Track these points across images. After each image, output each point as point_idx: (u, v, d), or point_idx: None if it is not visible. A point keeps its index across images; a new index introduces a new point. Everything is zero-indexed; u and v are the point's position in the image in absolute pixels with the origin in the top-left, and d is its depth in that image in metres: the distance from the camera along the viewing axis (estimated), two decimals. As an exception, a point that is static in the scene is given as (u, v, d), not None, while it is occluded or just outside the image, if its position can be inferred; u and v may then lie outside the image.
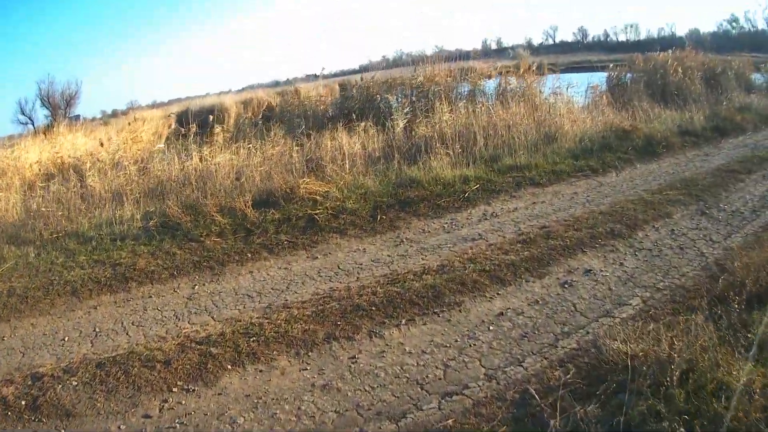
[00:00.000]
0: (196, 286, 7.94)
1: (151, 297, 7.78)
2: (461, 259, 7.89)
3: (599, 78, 23.60)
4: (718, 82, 22.89)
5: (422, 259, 8.14)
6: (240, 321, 6.67)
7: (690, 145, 14.92)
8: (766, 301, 5.66)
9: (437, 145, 12.74)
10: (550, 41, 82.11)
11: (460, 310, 6.55)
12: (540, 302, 6.66)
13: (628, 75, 23.15)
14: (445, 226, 9.46)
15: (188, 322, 6.85)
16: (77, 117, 51.54)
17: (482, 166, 12.00)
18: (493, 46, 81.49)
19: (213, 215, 10.09)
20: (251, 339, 6.21)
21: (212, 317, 6.93)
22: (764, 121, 18.37)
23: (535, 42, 79.88)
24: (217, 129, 18.09)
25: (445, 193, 10.59)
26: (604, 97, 18.91)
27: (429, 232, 9.29)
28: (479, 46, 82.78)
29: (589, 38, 78.80)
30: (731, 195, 10.65)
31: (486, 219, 9.68)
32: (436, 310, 6.57)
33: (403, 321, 6.37)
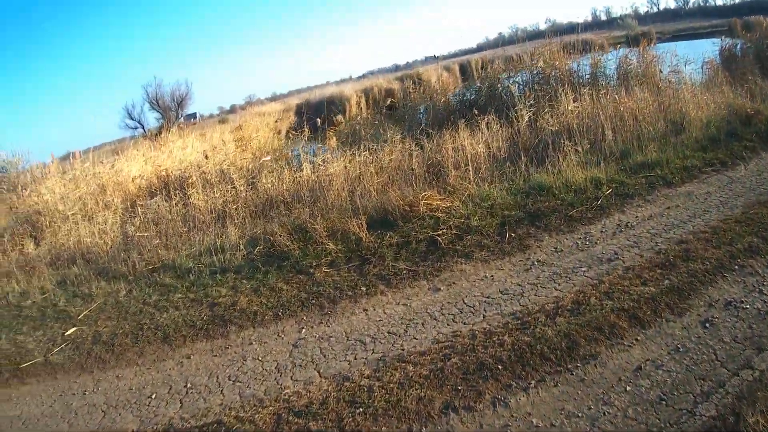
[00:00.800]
0: (303, 330, 7.40)
1: (251, 344, 7.33)
2: (597, 293, 7.02)
3: (705, 48, 22.32)
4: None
5: (555, 288, 7.32)
6: (348, 380, 6.06)
7: None
8: None
9: (564, 141, 11.94)
10: (654, 9, 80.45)
11: (595, 365, 5.75)
12: (680, 349, 5.83)
13: (739, 46, 21.89)
14: (579, 242, 8.59)
15: (291, 378, 6.34)
16: (193, 116, 53.19)
17: (612, 165, 11.14)
18: (602, 17, 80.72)
19: (323, 241, 9.45)
20: (357, 410, 5.58)
21: (318, 371, 6.37)
22: None
23: (641, 10, 78.25)
24: (338, 120, 17.83)
25: (577, 202, 9.75)
26: (720, 73, 17.81)
27: (561, 251, 8.42)
28: (589, 17, 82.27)
29: (690, 4, 76.86)
30: None
31: (621, 231, 8.79)
32: (569, 366, 5.77)
33: (533, 383, 5.58)
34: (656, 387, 5.31)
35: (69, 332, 8.62)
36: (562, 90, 14.67)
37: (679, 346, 5.87)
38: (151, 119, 49.18)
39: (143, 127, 47.81)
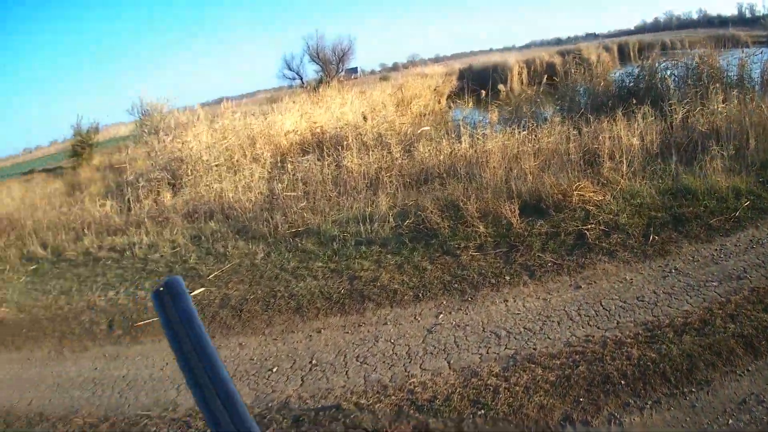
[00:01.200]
0: (441, 315, 7.47)
1: (386, 324, 7.45)
2: (723, 312, 6.74)
3: None
4: None
5: (687, 301, 7.13)
6: (476, 376, 6.12)
7: None
8: None
9: (713, 143, 11.81)
10: None
11: (707, 392, 5.56)
12: None
13: None
14: (714, 254, 8.30)
15: (419, 367, 6.44)
16: (354, 70, 53.78)
17: (753, 176, 10.81)
18: (747, 14, 78.12)
19: (474, 223, 9.54)
20: (479, 411, 5.62)
21: (448, 363, 6.45)
22: None
23: None
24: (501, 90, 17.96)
25: (718, 210, 9.61)
26: None
27: (698, 260, 8.19)
28: (735, 12, 79.80)
29: None
30: None
31: (752, 248, 8.40)
32: (685, 390, 5.63)
33: (649, 403, 5.50)
34: (755, 423, 5.16)
35: (196, 292, 8.92)
36: (713, 89, 14.47)
37: None
38: (311, 72, 49.81)
39: (301, 79, 48.43)
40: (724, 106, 13.75)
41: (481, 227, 9.41)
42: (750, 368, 5.81)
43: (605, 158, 11.52)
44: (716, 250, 8.51)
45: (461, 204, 10.05)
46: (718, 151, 11.34)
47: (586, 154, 12.10)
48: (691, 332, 6.46)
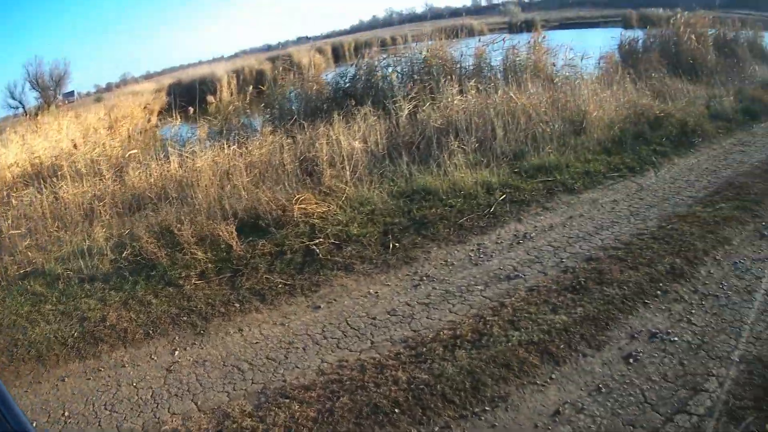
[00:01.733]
0: (177, 352, 6.84)
1: (124, 366, 6.73)
2: (500, 319, 6.50)
3: (598, 40, 22.50)
4: (732, 51, 21.97)
5: (449, 310, 6.85)
6: (228, 418, 5.53)
7: (723, 132, 13.96)
8: None
9: (450, 138, 11.48)
10: None
11: (506, 408, 5.23)
12: (603, 390, 5.39)
13: (640, 41, 22.39)
14: (472, 255, 8.16)
15: (168, 411, 5.80)
16: (71, 94, 52.17)
17: (505, 167, 10.83)
18: (483, 2, 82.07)
19: (192, 249, 8.84)
20: None
21: (196, 404, 5.85)
22: None
23: None
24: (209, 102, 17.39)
25: (467, 209, 9.34)
26: (620, 69, 17.69)
27: (453, 264, 7.97)
28: (468, 2, 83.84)
29: None
30: (792, 206, 9.54)
31: (519, 243, 8.44)
32: (476, 410, 5.22)
33: (437, 429, 5.05)
34: (581, 432, 4.97)
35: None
36: (446, 81, 14.37)
37: (600, 385, 5.46)
38: (32, 99, 48.15)
39: (24, 107, 46.85)
40: (461, 98, 13.51)
41: (199, 253, 8.74)
42: (554, 376, 5.63)
43: (325, 166, 10.96)
44: (473, 250, 8.40)
45: (175, 230, 9.38)
46: (459, 146, 11.22)
47: (304, 163, 11.43)
48: (465, 345, 6.14)
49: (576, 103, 13.73)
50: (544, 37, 19.10)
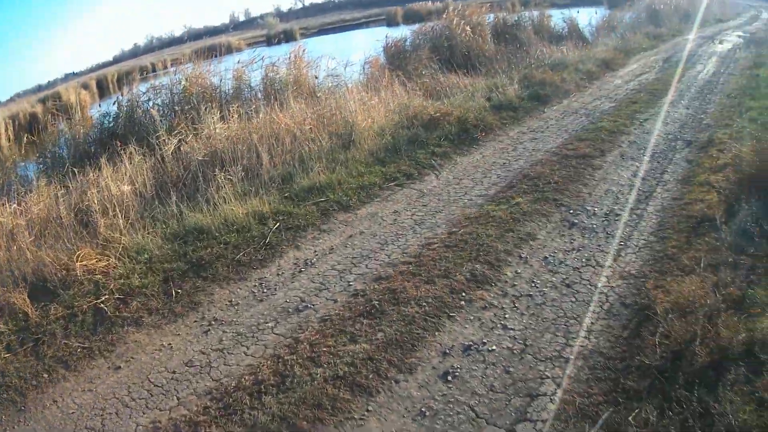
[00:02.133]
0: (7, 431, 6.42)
1: None
2: (299, 357, 6.37)
3: (362, 43, 22.78)
4: (514, 37, 22.71)
5: (245, 353, 6.70)
6: None
7: (510, 122, 14.93)
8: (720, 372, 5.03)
9: (216, 170, 11.52)
10: (300, 5, 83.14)
11: None
12: (427, 413, 5.36)
13: (408, 41, 22.58)
14: (255, 291, 8.09)
15: None
16: None
17: (275, 194, 10.89)
18: (241, 17, 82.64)
19: None
20: None
21: None
22: (587, 78, 18.59)
23: (284, 8, 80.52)
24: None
25: (243, 243, 9.32)
26: (387, 72, 18.29)
27: (238, 303, 7.86)
28: (227, 20, 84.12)
29: None
30: (594, 191, 10.12)
31: (301, 272, 8.40)
32: None
33: None
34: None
35: None
36: (206, 109, 14.29)
37: (423, 409, 5.43)
38: None
39: None
40: (222, 126, 13.55)
41: (0, 325, 8.14)
42: (370, 408, 5.55)
43: (98, 216, 10.41)
44: (255, 286, 8.27)
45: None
46: (225, 177, 11.20)
47: (78, 214, 10.88)
48: (270, 390, 5.96)
49: (342, 116, 13.99)
50: (303, 51, 19.09)
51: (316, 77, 17.75)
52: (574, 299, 6.93)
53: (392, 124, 13.74)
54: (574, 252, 8.02)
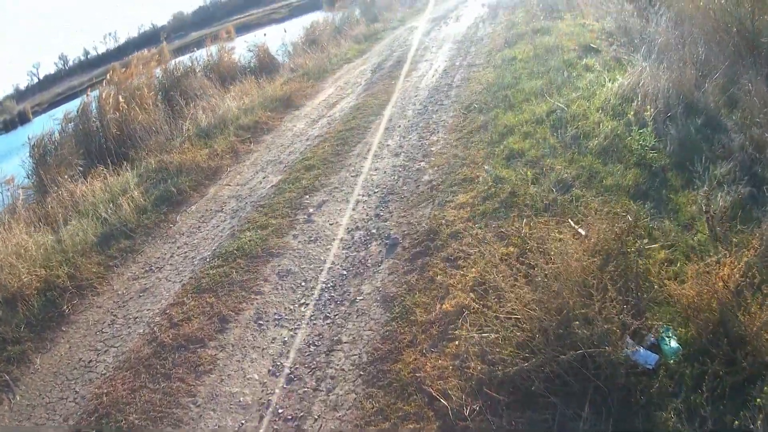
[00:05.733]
0: None
1: None
2: None
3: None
4: (184, 91, 18.04)
5: None
6: None
7: (118, 262, 9.37)
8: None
9: None
10: (36, 80, 79.62)
11: None
12: None
13: (56, 131, 16.26)
14: None
15: None
16: None
17: None
18: None
19: None
20: None
21: None
22: (253, 134, 14.70)
23: (23, 86, 76.56)
24: None
25: None
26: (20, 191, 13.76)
27: None
28: None
29: (71, 62, 76.13)
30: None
31: None
32: None
33: None
34: None
35: None
36: None
37: None
38: None
39: None
40: None
41: None
42: None
43: None
44: None
45: None
46: None
47: None
48: None
49: None
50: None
51: None
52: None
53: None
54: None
